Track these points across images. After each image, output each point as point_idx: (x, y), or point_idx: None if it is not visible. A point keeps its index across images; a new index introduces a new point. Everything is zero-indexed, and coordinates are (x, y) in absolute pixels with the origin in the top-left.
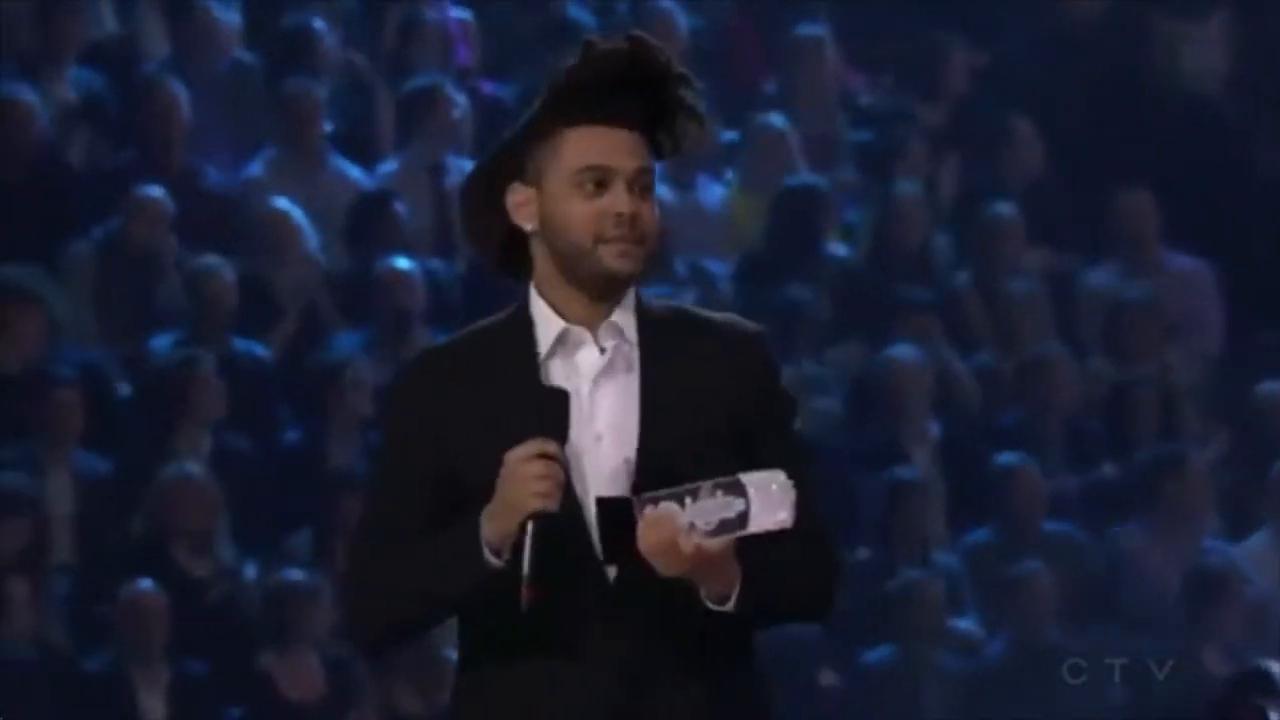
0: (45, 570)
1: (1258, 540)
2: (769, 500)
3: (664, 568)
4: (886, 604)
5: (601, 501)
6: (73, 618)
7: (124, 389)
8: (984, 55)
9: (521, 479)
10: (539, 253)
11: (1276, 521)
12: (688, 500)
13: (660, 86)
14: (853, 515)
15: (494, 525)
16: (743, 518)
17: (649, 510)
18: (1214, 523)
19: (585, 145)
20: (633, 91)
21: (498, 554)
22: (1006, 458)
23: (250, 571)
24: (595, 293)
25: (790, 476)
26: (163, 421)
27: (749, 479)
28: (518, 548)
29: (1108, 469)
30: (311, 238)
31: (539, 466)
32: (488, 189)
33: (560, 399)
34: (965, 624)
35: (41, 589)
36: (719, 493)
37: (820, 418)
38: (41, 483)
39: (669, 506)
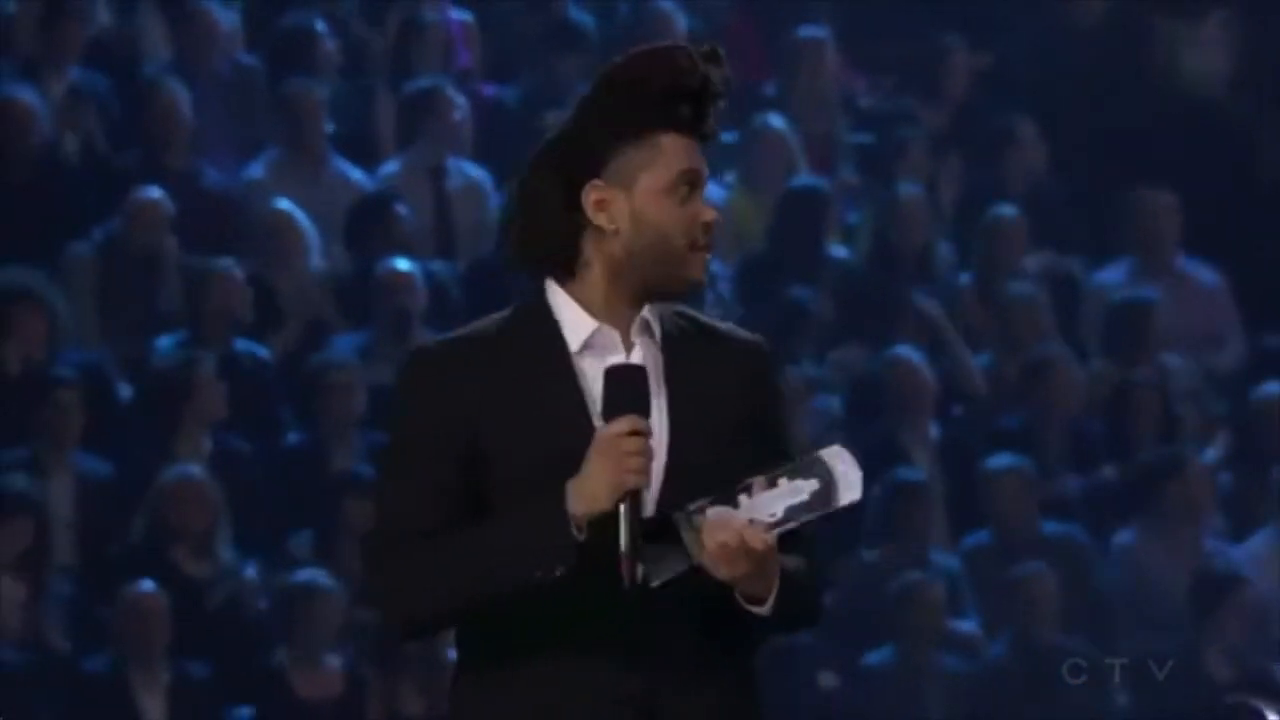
0: (46, 571)
1: (1259, 541)
2: (848, 478)
3: (728, 571)
4: (887, 605)
5: (647, 521)
6: (73, 619)
7: (125, 390)
8: (985, 57)
9: (618, 456)
10: (602, 251)
11: (1278, 523)
12: (741, 499)
13: (720, 100)
14: (853, 517)
15: (584, 503)
16: (822, 497)
17: (701, 518)
18: (1215, 524)
19: (683, 151)
20: (710, 105)
21: (580, 529)
22: (1001, 459)
23: (251, 573)
24: (660, 295)
25: None
26: (164, 423)
27: (827, 455)
28: (595, 525)
29: (1109, 471)
30: (313, 239)
31: (634, 443)
32: (562, 186)
33: (639, 375)
34: (965, 625)
35: (42, 590)
36: (783, 480)
37: (821, 419)
38: (43, 484)
39: (722, 510)
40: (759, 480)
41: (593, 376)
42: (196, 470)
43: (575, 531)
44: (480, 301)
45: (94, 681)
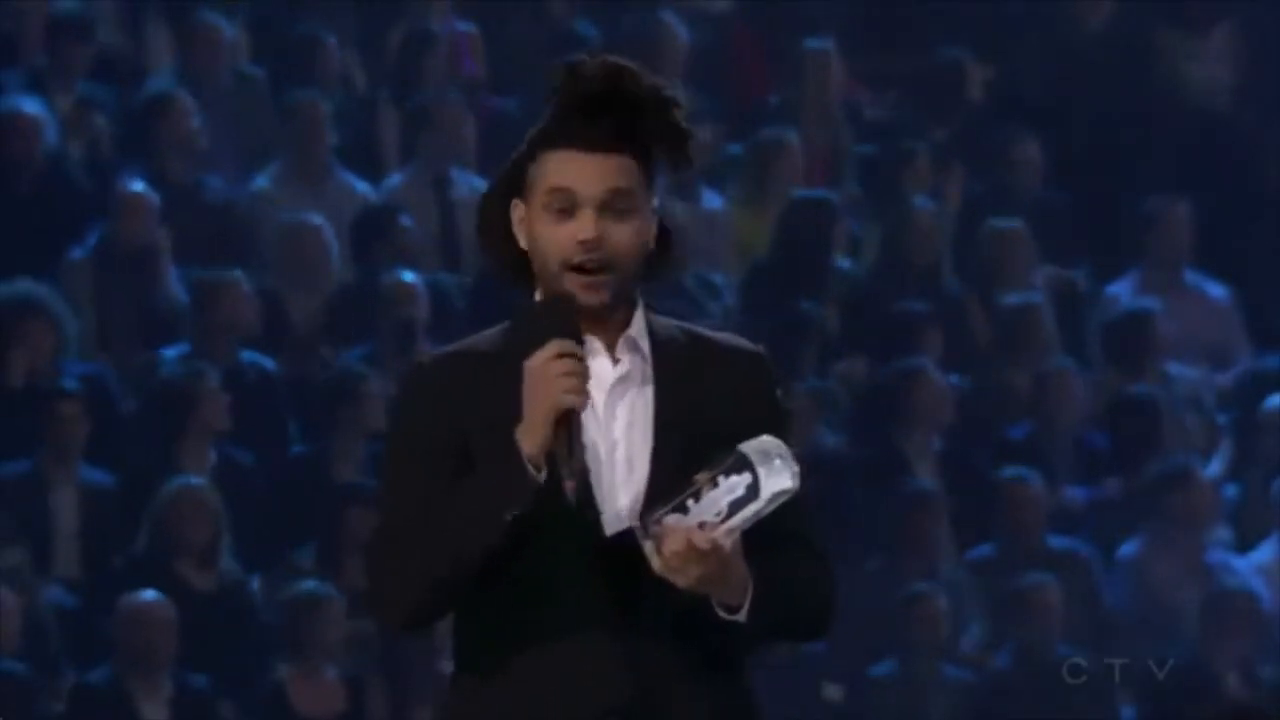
0: (48, 583)
1: (1264, 553)
2: (774, 465)
3: (684, 579)
4: (892, 617)
5: (609, 539)
6: (76, 631)
7: (129, 402)
8: (990, 69)
9: (547, 380)
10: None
11: None
12: (690, 504)
13: (639, 111)
14: (858, 529)
15: (527, 437)
16: (753, 489)
17: (655, 529)
18: (1221, 536)
19: (554, 168)
20: (608, 116)
21: (538, 469)
22: (1010, 471)
23: (254, 585)
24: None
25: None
26: (168, 435)
27: (747, 448)
28: (551, 459)
29: (1114, 483)
30: (320, 250)
31: (562, 364)
32: (499, 204)
33: (568, 302)
34: (970, 637)
35: (44, 601)
36: (720, 478)
37: (825, 431)
38: (46, 495)
39: (673, 518)
40: (704, 481)
41: None
42: (199, 481)
43: (532, 470)
44: (485, 313)
45: (96, 693)
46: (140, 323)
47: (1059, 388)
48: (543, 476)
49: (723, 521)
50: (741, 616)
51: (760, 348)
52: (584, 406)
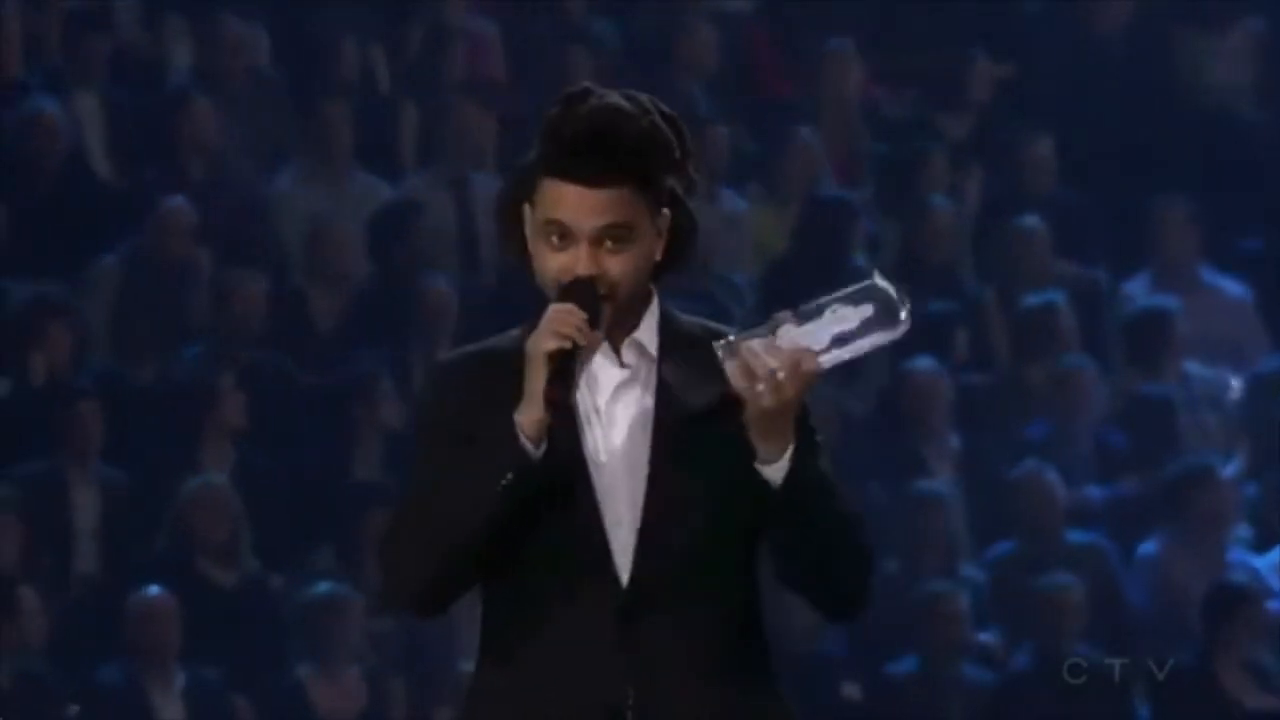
0: (66, 581)
1: None
2: (901, 300)
3: (768, 401)
4: (911, 616)
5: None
6: (96, 629)
7: (147, 402)
8: (1007, 68)
9: (536, 339)
10: None
11: None
12: (781, 331)
13: (633, 150)
14: (877, 529)
15: (524, 407)
16: (873, 322)
17: (745, 345)
18: (1240, 535)
19: (551, 199)
20: (599, 154)
21: (534, 440)
22: (1028, 470)
23: (274, 584)
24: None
25: None
26: (186, 434)
27: (879, 279)
28: (551, 435)
29: (1133, 482)
30: (344, 250)
31: (551, 320)
32: (513, 207)
33: (586, 284)
34: (989, 636)
35: (63, 600)
36: (827, 312)
37: (843, 430)
38: (65, 494)
39: (758, 343)
40: (789, 316)
41: (577, 391)
42: (219, 479)
43: (523, 438)
44: (505, 314)
45: (111, 690)
46: (168, 327)
47: (1078, 387)
48: (540, 449)
49: (823, 350)
50: (782, 465)
51: None
52: (569, 346)
